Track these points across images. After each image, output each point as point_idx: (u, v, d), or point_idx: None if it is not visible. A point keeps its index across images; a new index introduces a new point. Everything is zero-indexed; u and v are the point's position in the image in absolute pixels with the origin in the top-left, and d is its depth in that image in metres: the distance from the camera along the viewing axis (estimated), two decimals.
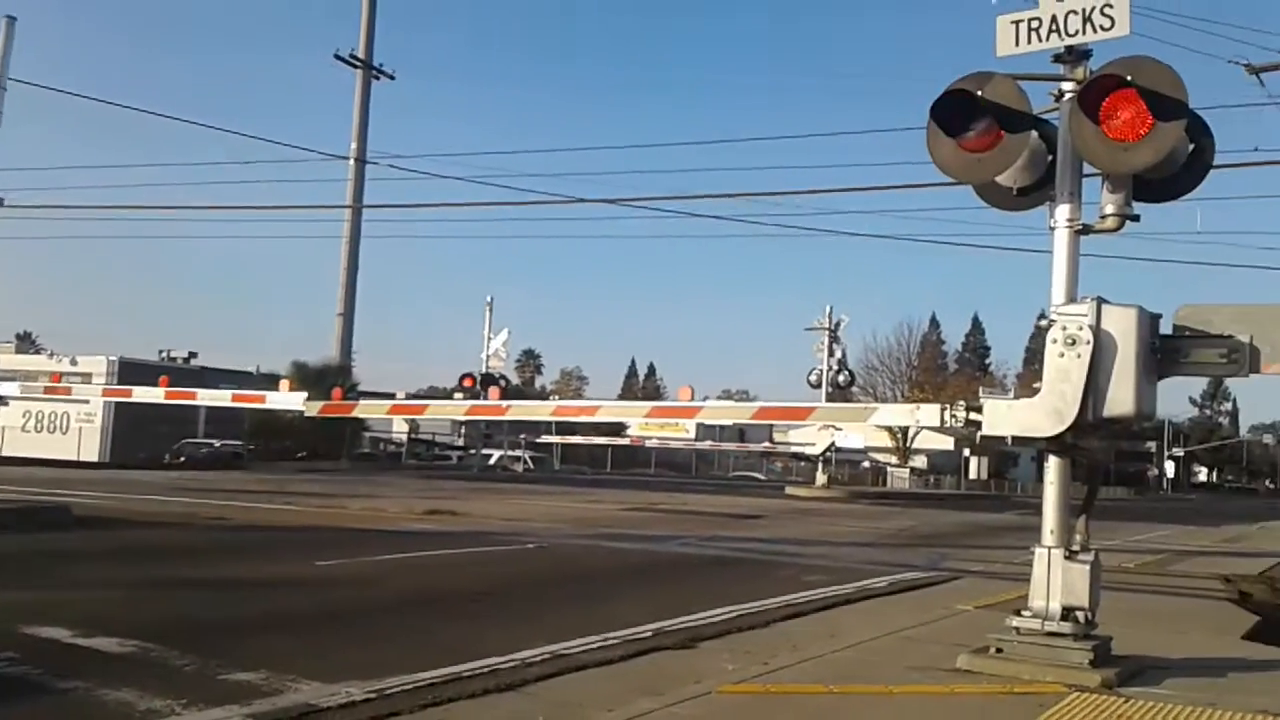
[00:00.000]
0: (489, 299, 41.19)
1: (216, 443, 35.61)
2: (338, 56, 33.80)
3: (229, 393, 16.38)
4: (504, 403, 10.17)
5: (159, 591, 8.86)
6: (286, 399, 11.05)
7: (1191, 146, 6.18)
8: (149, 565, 10.34)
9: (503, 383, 38.54)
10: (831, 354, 39.69)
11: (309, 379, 32.20)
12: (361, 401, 10.32)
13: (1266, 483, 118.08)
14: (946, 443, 67.74)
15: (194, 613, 7.76)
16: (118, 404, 31.14)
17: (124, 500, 18.27)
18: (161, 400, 12.46)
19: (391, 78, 36.73)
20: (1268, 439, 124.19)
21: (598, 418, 11.18)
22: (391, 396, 34.24)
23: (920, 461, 72.03)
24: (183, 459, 34.81)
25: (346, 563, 10.93)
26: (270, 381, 26.98)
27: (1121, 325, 5.77)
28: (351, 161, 33.37)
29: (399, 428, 50.00)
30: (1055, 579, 5.99)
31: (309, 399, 10.75)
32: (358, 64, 34.54)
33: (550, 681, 5.71)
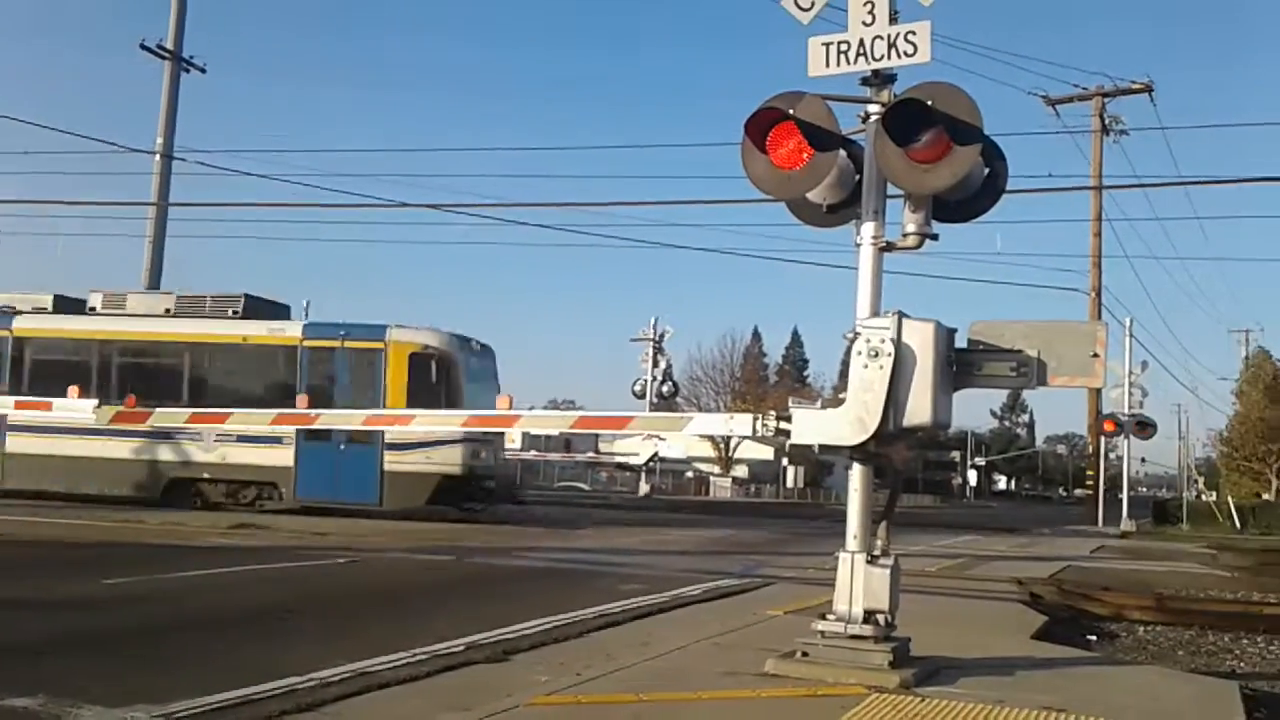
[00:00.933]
0: (305, 304, 39.82)
1: None
2: (144, 46, 32.07)
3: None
4: (313, 411, 9.81)
5: None
6: (74, 405, 10.39)
7: (987, 171, 6.52)
8: None
9: None
10: (656, 365, 40.23)
11: None
12: (158, 409, 9.79)
13: (1060, 490, 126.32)
14: (766, 453, 69.66)
15: None
16: None
17: None
18: None
19: (203, 70, 35.06)
20: (1061, 449, 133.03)
21: (412, 427, 10.88)
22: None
23: (742, 471, 73.79)
24: None
25: (140, 580, 10.30)
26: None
27: (920, 338, 6.01)
28: (157, 157, 31.68)
29: None
30: (858, 583, 6.18)
31: (99, 407, 10.12)
32: (165, 55, 32.86)
33: (352, 700, 5.50)
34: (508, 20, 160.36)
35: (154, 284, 32.97)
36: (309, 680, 5.87)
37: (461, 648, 7.06)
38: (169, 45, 33.80)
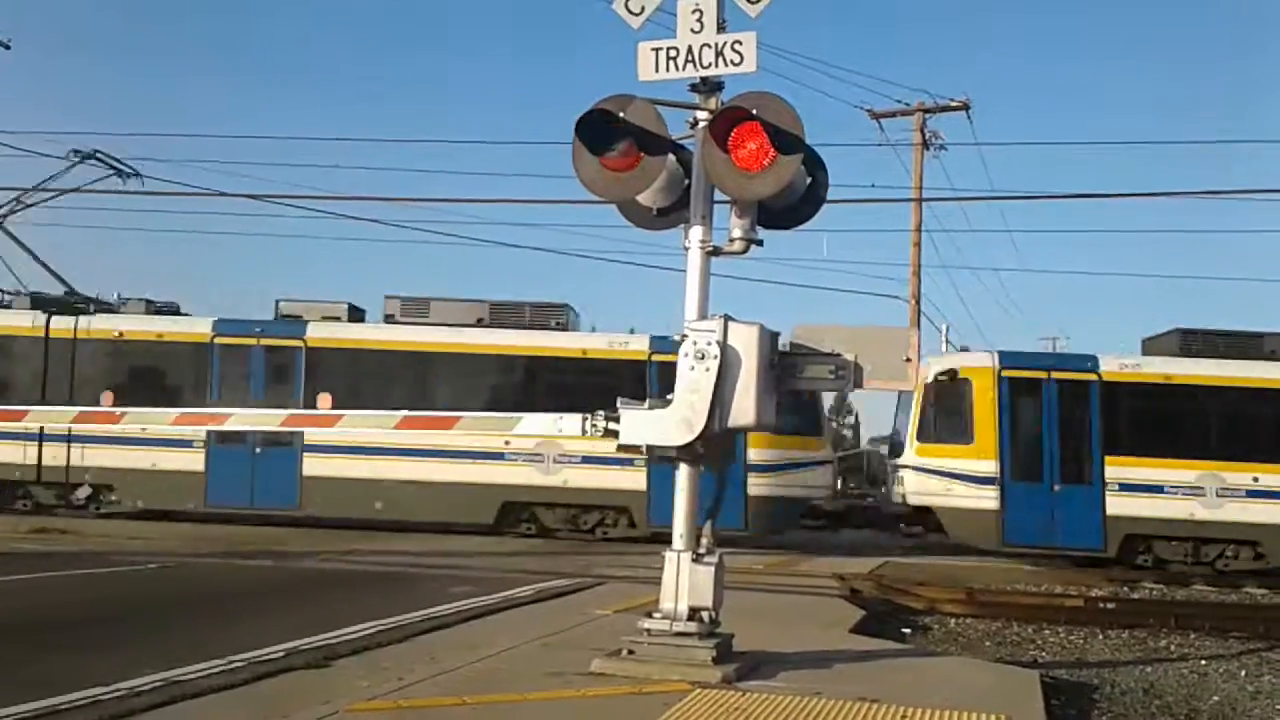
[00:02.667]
0: (118, 296, 37.78)
1: None
2: None
3: None
4: (119, 410, 9.32)
5: None
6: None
7: (809, 179, 6.75)
8: None
9: None
10: None
11: None
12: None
13: (883, 489, 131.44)
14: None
15: None
16: None
17: None
18: None
19: (6, 46, 32.90)
20: (884, 450, 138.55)
21: (228, 426, 10.44)
22: None
23: None
24: None
25: None
26: None
27: (745, 341, 6.17)
28: None
29: None
30: (683, 581, 6.29)
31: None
32: None
33: (163, 710, 5.26)
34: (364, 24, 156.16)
35: None
36: (116, 690, 5.59)
37: (281, 654, 6.84)
38: None
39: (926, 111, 33.68)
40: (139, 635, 7.91)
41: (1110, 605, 12.86)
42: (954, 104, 33.60)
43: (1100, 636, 11.02)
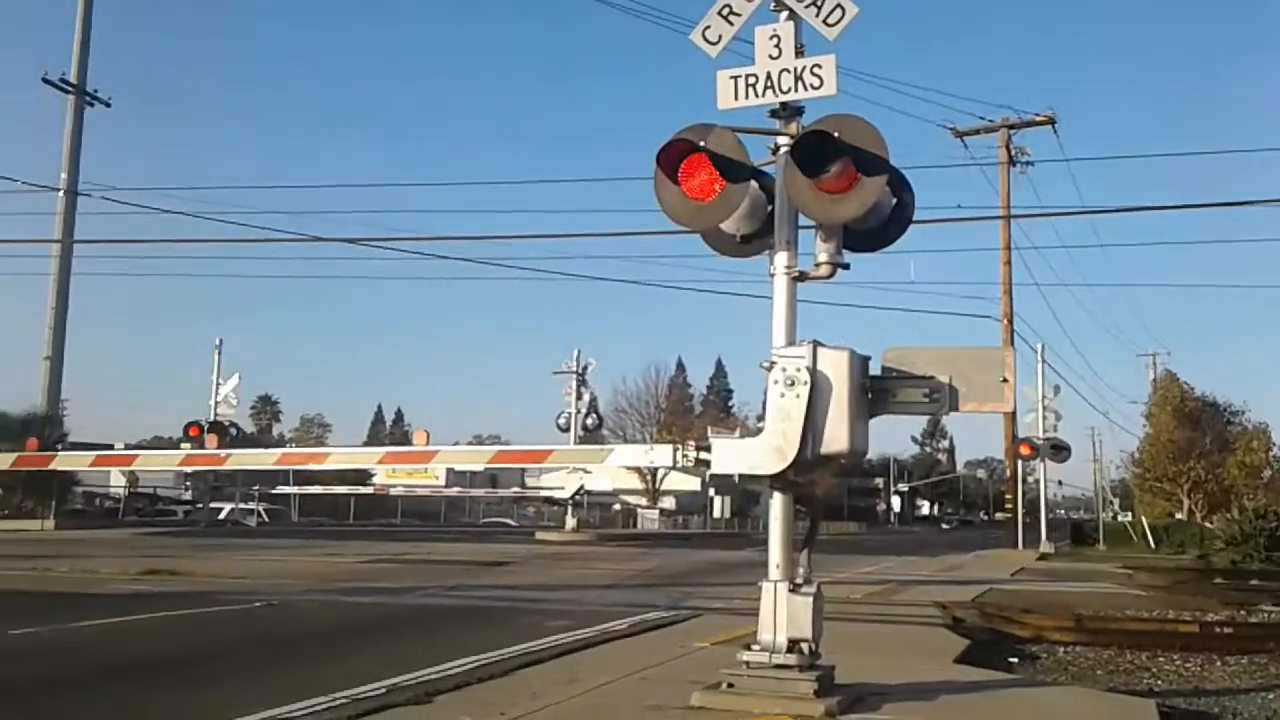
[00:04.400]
0: (218, 342, 39.10)
1: None
2: (46, 80, 31.31)
3: None
4: (222, 451, 9.55)
5: None
6: None
7: (895, 200, 6.65)
8: None
9: (232, 430, 36.42)
10: (580, 397, 40.11)
11: (10, 430, 29.23)
12: (63, 453, 9.39)
13: (981, 514, 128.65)
14: (693, 483, 69.72)
15: None
16: None
17: None
18: None
19: (107, 104, 34.35)
20: (981, 474, 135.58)
21: (329, 465, 10.69)
22: (110, 447, 31.70)
23: (669, 502, 73.71)
24: None
25: (47, 630, 9.91)
26: None
27: (835, 367, 6.08)
28: (61, 193, 30.87)
29: (117, 481, 46.28)
30: (781, 612, 6.19)
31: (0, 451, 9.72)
32: (69, 89, 32.10)
33: None
34: (427, 57, 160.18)
35: (59, 326, 31.94)
36: None
37: (383, 690, 6.90)
38: (72, 78, 33.06)
39: (1011, 127, 33.12)
40: (243, 673, 8.08)
41: (1227, 630, 12.30)
42: (1039, 118, 33.02)
43: (1218, 663, 10.54)
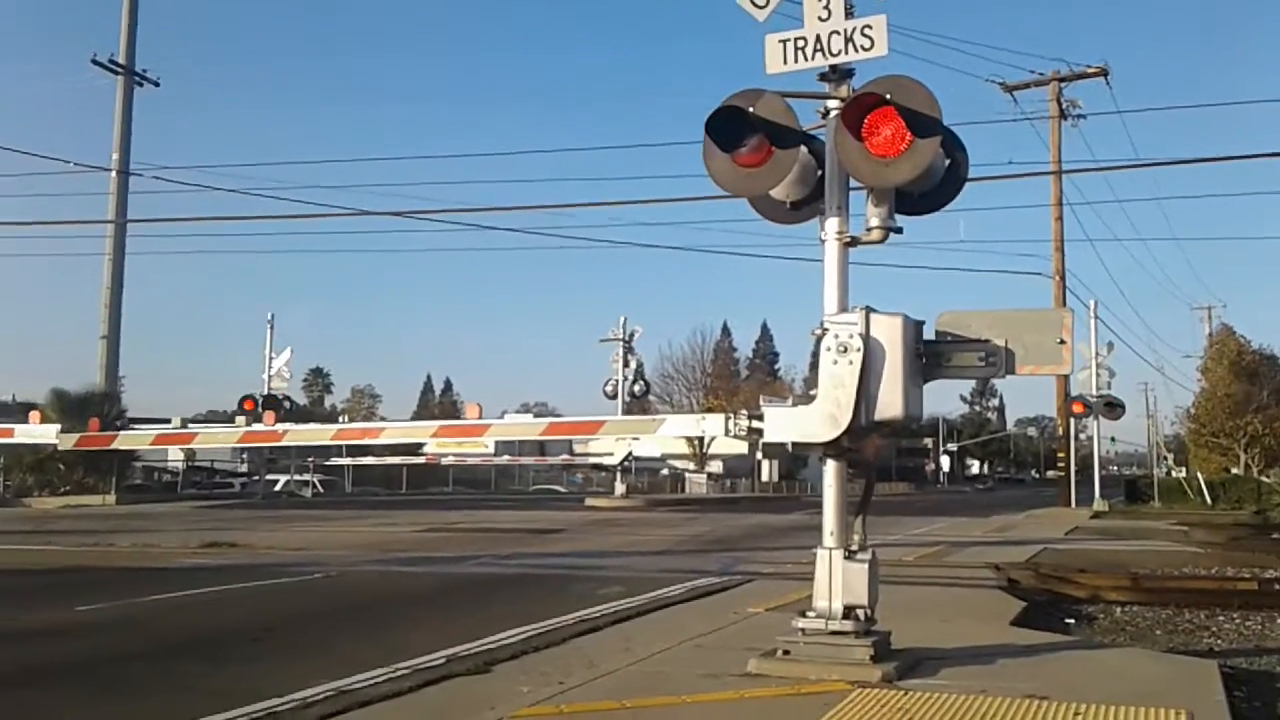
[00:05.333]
0: (270, 316, 39.61)
1: None
2: (95, 61, 31.67)
3: None
4: (280, 427, 9.71)
5: None
6: (37, 431, 10.16)
7: (948, 161, 6.53)
8: None
9: (286, 404, 36.94)
10: (626, 364, 40.18)
11: (70, 408, 29.77)
12: (123, 432, 9.59)
13: (1033, 473, 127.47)
14: (741, 447, 69.38)
15: None
16: None
17: None
18: None
19: (156, 84, 34.72)
20: (1031, 431, 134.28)
21: (383, 440, 10.80)
22: (166, 422, 32.22)
23: (716, 466, 73.80)
24: None
25: (112, 605, 10.16)
26: (27, 411, 24.85)
27: (888, 333, 6.02)
28: (113, 174, 31.31)
29: (175, 456, 47.19)
30: (836, 579, 6.18)
31: (64, 430, 9.94)
32: (119, 70, 32.46)
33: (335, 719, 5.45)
34: (471, 28, 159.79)
35: (114, 304, 32.47)
36: (289, 702, 5.82)
37: (442, 660, 7.01)
38: (121, 59, 33.42)
39: (1062, 80, 32.48)
40: (307, 645, 8.23)
41: None
42: (1091, 70, 32.34)
43: (1279, 620, 10.39)
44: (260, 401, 34.57)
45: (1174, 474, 52.95)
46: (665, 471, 70.32)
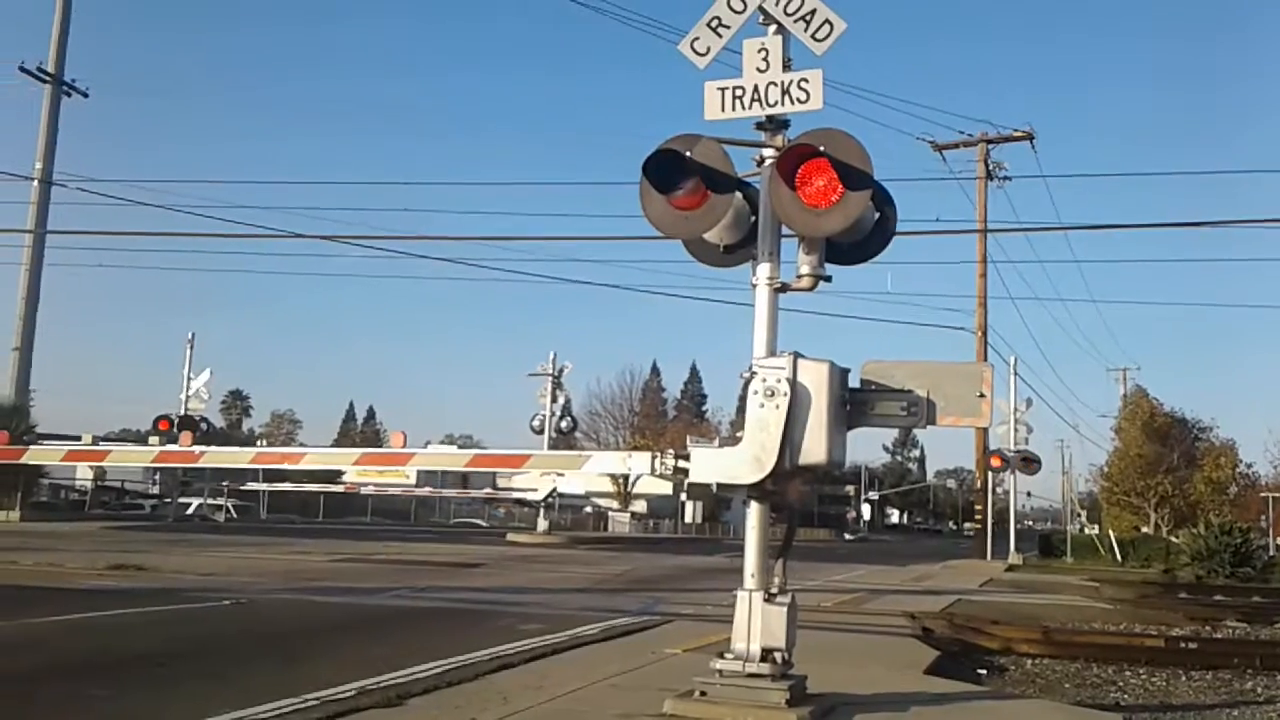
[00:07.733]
0: (190, 336, 38.81)
1: None
2: (23, 69, 30.99)
3: None
4: (196, 448, 9.48)
5: None
6: None
7: (877, 215, 6.69)
8: None
9: (204, 426, 36.13)
10: (554, 400, 40.04)
11: None
12: (33, 447, 9.27)
13: (950, 524, 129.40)
14: (665, 488, 69.67)
15: None
16: None
17: None
18: None
19: (85, 95, 34.04)
20: (951, 483, 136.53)
21: (304, 465, 10.62)
22: (77, 439, 31.31)
23: (641, 506, 73.72)
24: None
25: (10, 624, 9.79)
26: None
27: (815, 379, 6.11)
28: (35, 183, 30.54)
29: (85, 474, 45.78)
30: (755, 621, 6.21)
31: None
32: (46, 78, 31.80)
33: None
34: (412, 51, 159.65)
35: (29, 317, 31.58)
36: None
37: (352, 693, 6.87)
38: (50, 68, 32.75)
39: (989, 142, 33.40)
40: (211, 673, 8.01)
41: (1192, 645, 12.43)
42: (1017, 134, 33.31)
43: (1183, 678, 10.67)
44: (176, 422, 33.75)
45: (1087, 531, 54.12)
46: (589, 509, 70.06)
